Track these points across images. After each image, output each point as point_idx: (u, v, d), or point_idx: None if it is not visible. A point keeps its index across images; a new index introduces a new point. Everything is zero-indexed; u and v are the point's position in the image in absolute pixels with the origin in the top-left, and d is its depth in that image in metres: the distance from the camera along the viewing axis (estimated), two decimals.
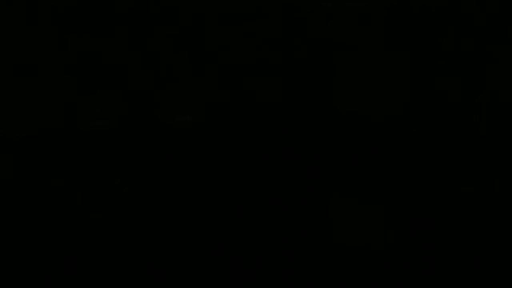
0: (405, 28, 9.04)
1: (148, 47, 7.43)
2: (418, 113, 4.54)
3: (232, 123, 4.34)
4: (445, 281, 2.97)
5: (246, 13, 8.12)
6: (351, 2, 8.29)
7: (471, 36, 8.15)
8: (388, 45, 7.29)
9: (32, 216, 3.10)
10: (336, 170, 3.48)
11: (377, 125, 4.15)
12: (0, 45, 5.55)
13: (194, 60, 6.53)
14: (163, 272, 2.68)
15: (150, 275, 2.62)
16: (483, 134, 4.15)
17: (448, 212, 2.95)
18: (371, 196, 3.21)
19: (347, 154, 3.70)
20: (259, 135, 4.08)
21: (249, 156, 3.77)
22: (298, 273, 3.46)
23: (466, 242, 2.89)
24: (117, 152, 3.82)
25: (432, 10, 9.65)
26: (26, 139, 4.16)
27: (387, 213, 3.06)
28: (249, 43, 7.77)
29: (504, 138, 4.02)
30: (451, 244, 2.81)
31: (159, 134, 4.05)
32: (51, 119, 4.52)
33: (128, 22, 8.69)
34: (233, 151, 3.90)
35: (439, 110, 4.57)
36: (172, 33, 6.88)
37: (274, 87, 5.50)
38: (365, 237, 2.86)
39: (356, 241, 2.92)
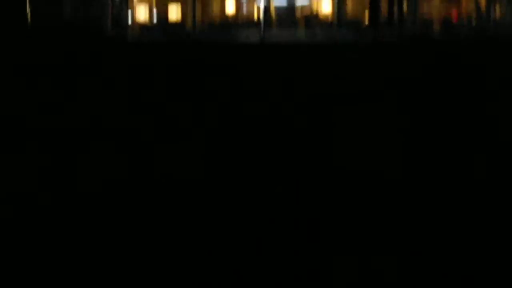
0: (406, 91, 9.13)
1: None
2: (416, 174, 4.59)
3: (231, 179, 4.43)
4: None
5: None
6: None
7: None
8: (388, 107, 7.43)
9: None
10: (336, 229, 3.51)
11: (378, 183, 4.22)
12: None
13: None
14: None
15: None
16: (483, 187, 4.21)
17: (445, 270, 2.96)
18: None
19: (345, 210, 3.75)
20: (261, 189, 4.16)
21: (249, 212, 3.81)
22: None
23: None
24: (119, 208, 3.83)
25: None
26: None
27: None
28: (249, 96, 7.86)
29: (504, 191, 4.10)
30: None
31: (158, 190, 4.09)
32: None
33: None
34: (233, 206, 3.95)
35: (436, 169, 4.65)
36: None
37: (276, 143, 5.60)
38: None
39: None
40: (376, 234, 3.40)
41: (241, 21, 23.77)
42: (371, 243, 3.29)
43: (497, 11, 21.65)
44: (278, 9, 22.78)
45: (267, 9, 21.90)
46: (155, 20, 24.16)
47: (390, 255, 3.15)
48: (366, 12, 21.83)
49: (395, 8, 20.95)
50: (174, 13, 23.82)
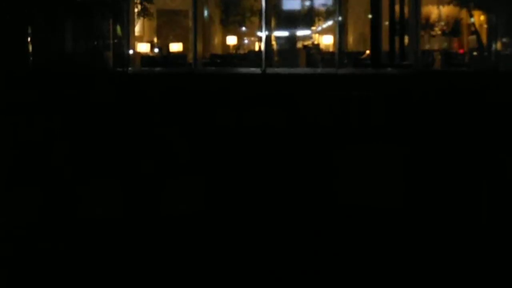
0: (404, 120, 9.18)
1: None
2: (416, 205, 4.65)
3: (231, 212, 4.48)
4: None
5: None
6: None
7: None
8: (387, 138, 7.45)
9: None
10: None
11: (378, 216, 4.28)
12: None
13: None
14: None
15: None
16: (484, 222, 4.23)
17: None
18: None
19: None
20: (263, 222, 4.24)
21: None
22: None
23: None
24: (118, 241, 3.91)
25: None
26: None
27: None
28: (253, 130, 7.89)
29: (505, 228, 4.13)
30: None
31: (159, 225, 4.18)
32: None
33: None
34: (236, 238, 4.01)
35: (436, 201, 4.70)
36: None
37: (275, 177, 5.68)
38: None
39: None
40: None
41: (243, 52, 24.09)
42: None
43: (498, 43, 21.82)
44: (278, 39, 23.21)
45: (268, 39, 22.12)
46: (157, 53, 24.47)
47: None
48: (368, 45, 22.03)
49: (397, 41, 20.97)
50: (176, 46, 24.20)
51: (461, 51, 22.46)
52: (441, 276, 3.47)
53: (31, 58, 22.80)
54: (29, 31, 22.85)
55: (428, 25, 22.39)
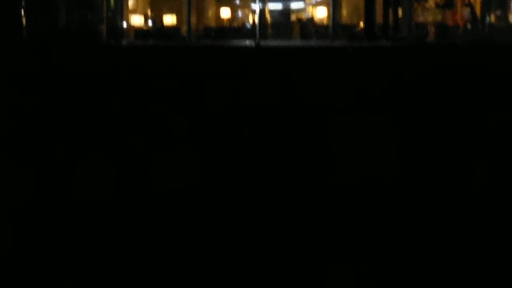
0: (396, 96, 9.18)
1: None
2: (407, 178, 4.66)
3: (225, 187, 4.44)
4: None
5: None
6: None
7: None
8: (382, 110, 7.45)
9: None
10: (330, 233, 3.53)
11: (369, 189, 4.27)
12: None
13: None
14: None
15: None
16: (478, 191, 4.23)
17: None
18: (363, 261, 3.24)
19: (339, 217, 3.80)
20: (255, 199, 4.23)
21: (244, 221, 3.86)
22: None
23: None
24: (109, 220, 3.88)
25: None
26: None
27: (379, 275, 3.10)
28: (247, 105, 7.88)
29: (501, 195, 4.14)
30: None
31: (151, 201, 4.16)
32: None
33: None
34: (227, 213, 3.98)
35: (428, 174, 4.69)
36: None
37: (270, 150, 5.65)
38: None
39: None
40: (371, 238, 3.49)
41: (237, 25, 24.14)
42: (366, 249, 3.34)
43: (492, 16, 21.96)
44: (272, 12, 23.31)
45: (262, 12, 22.32)
46: (150, 26, 24.56)
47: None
48: (362, 18, 22.14)
49: (390, 14, 21.13)
50: (170, 19, 24.32)
51: (454, 23, 22.53)
52: (436, 246, 3.47)
53: (24, 31, 22.88)
54: (23, 4, 22.90)
55: None
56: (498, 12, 21.83)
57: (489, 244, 3.39)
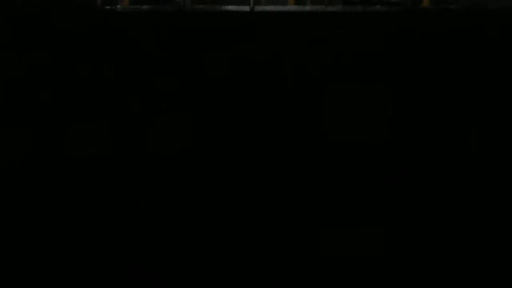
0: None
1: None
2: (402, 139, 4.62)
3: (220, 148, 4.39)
4: None
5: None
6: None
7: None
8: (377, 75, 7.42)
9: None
10: (326, 196, 3.47)
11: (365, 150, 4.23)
12: None
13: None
14: None
15: None
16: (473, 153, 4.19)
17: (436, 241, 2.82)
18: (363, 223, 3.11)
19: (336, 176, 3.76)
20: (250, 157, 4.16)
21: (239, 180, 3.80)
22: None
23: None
24: (108, 178, 3.85)
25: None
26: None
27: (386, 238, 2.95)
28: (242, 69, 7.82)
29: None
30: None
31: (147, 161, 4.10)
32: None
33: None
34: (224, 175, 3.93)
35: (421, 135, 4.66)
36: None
37: (267, 114, 5.60)
38: None
39: None
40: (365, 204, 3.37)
41: None
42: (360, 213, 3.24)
43: None
44: None
45: None
46: None
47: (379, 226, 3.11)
48: None
49: None
50: None
51: None
52: (428, 207, 3.44)
53: None
54: None
55: None
56: None
57: (481, 206, 3.31)
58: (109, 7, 21.76)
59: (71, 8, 20.96)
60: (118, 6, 22.18)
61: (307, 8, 21.15)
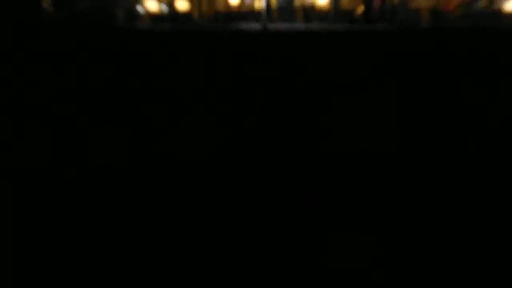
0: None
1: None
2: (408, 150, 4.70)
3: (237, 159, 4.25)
4: None
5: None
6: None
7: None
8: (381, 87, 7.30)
9: None
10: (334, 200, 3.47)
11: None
12: None
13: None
14: None
15: None
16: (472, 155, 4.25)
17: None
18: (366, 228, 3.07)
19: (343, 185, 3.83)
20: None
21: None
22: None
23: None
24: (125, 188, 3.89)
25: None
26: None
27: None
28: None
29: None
30: None
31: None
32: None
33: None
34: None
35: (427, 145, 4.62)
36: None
37: (278, 125, 5.41)
38: None
39: None
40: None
41: (245, 10, 23.43)
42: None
43: (480, 3, 21.26)
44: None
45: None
46: (164, 10, 23.81)
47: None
48: (360, 3, 21.55)
49: (387, 0, 20.72)
50: (182, 4, 23.39)
51: (446, 9, 21.71)
52: (434, 212, 3.31)
53: (43, 14, 22.10)
54: None
55: None
56: (484, 1, 21.34)
57: (487, 208, 3.50)
58: (129, 25, 21.06)
59: (100, 28, 20.30)
60: (138, 25, 21.59)
61: (315, 26, 20.82)
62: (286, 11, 22.52)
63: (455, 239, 3.01)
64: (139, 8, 22.48)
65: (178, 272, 2.61)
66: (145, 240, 3.00)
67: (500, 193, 3.74)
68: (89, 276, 2.54)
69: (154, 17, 23.45)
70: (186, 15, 23.32)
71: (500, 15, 21.19)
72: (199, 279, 2.56)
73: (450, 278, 2.52)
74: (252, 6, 24.33)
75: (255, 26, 20.29)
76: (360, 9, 21.00)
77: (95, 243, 2.92)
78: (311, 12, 22.47)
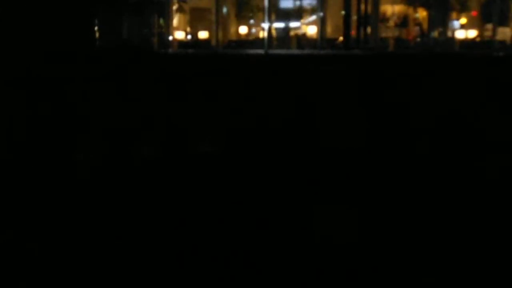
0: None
1: None
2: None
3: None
4: None
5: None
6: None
7: None
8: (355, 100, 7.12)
9: None
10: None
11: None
12: None
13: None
14: None
15: None
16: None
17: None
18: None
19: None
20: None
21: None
22: None
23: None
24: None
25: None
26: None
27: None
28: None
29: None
30: None
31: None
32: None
33: None
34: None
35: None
36: None
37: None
38: None
39: None
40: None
41: (251, 38, 23.94)
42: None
43: (435, 32, 21.66)
44: (277, 28, 23.15)
45: (269, 29, 22.47)
46: (189, 39, 24.23)
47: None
48: (341, 33, 21.98)
49: (362, 30, 21.57)
50: (203, 34, 24.53)
51: (408, 38, 22.19)
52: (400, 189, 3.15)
53: (97, 43, 22.07)
54: (95, 22, 22.24)
55: (385, 19, 22.25)
56: (440, 29, 22.06)
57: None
58: (163, 51, 21.25)
59: (137, 52, 20.01)
60: (169, 50, 21.81)
61: (306, 51, 21.04)
62: (284, 39, 23.23)
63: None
64: (170, 37, 22.98)
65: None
66: None
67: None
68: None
69: (181, 44, 23.95)
70: (205, 42, 23.94)
71: (452, 41, 21.59)
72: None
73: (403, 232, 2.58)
74: (257, 35, 24.83)
75: (259, 51, 20.56)
76: (341, 38, 21.84)
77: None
78: (303, 40, 23.26)
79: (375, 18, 21.47)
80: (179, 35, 24.39)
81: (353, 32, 21.41)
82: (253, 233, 2.49)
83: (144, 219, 2.66)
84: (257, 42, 23.11)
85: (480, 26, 22.06)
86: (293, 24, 23.54)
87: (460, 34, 21.80)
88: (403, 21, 22.54)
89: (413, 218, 2.78)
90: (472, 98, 7.42)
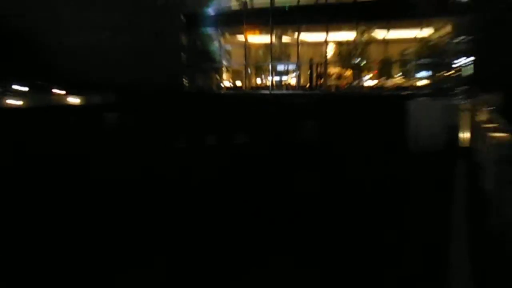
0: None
1: None
2: None
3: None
4: None
5: None
6: None
7: None
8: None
9: None
10: None
11: None
12: None
13: None
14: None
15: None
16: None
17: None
18: None
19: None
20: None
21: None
22: None
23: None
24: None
25: None
26: None
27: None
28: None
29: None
30: None
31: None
32: None
33: None
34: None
35: None
36: None
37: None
38: None
39: None
40: None
41: (267, 85, 29.63)
42: None
43: (360, 81, 27.53)
44: (276, 81, 29.56)
45: (272, 81, 28.50)
46: (237, 84, 30.47)
47: None
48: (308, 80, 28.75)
49: (318, 81, 28.45)
50: (238, 82, 30.64)
51: (342, 85, 28.65)
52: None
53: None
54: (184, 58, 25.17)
55: (330, 75, 28.90)
56: (357, 81, 28.05)
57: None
58: (218, 91, 29.00)
59: (200, 94, 26.57)
60: (221, 91, 28.79)
61: (290, 91, 28.25)
62: (279, 86, 29.88)
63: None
64: (221, 84, 30.75)
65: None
66: None
67: None
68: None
69: (226, 87, 30.31)
70: (239, 87, 30.51)
71: (362, 87, 27.21)
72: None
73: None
74: (266, 84, 30.76)
75: (278, 92, 26.05)
76: (307, 85, 29.74)
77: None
78: (289, 86, 30.26)
79: (325, 75, 28.39)
80: (225, 83, 29.60)
81: (314, 82, 28.21)
82: None
83: None
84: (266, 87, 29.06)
85: (378, 79, 28.26)
86: (283, 78, 30.55)
87: (366, 83, 28.00)
88: (339, 77, 29.47)
89: None
90: None
